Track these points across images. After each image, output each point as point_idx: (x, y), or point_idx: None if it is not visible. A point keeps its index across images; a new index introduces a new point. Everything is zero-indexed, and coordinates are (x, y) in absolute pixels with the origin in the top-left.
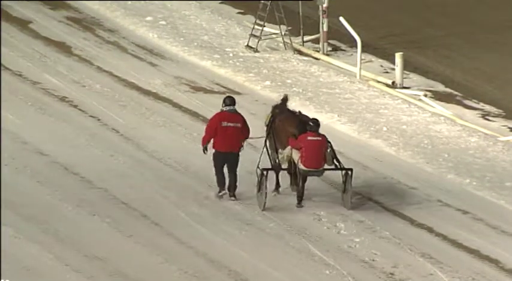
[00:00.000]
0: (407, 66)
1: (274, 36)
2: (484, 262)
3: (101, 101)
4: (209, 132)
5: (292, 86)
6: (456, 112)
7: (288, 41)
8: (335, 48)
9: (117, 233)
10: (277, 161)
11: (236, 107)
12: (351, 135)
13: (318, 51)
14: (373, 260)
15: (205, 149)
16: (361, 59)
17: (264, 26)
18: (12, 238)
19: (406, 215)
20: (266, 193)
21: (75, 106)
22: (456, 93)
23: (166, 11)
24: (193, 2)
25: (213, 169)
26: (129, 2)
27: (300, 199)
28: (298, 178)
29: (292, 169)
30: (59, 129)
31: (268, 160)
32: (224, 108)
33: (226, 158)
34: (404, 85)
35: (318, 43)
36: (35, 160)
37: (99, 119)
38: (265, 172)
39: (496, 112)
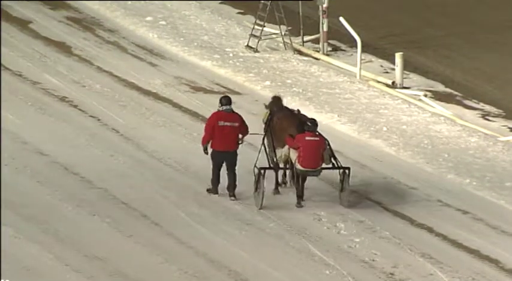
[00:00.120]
0: (407, 66)
1: (274, 36)
2: (484, 262)
3: (101, 101)
4: (208, 131)
5: (292, 86)
6: (456, 112)
7: (288, 41)
8: (335, 48)
9: (117, 233)
10: (275, 159)
11: (236, 107)
12: (351, 135)
13: (318, 51)
14: (373, 260)
15: (205, 149)
16: (361, 59)
17: (264, 26)
18: (12, 238)
19: (406, 215)
20: (263, 192)
21: (75, 106)
22: (456, 93)
23: (166, 11)
24: (193, 2)
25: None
26: (129, 2)
27: (300, 198)
28: (295, 177)
29: (288, 167)
30: (59, 129)
31: (266, 159)
32: (221, 108)
33: (224, 157)
34: (404, 85)
35: (318, 43)
36: (35, 160)
37: (99, 119)
38: (262, 171)
39: (496, 112)
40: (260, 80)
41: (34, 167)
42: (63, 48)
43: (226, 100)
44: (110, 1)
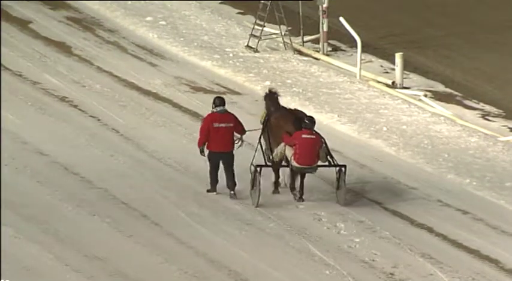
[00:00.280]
0: (407, 66)
1: (274, 36)
2: (484, 262)
3: (101, 101)
4: (203, 133)
5: (292, 86)
6: (456, 112)
7: (288, 41)
8: (335, 49)
9: (117, 233)
10: (271, 157)
11: (237, 107)
12: (351, 135)
13: (318, 52)
14: (373, 260)
15: (202, 151)
16: (361, 59)
17: (264, 26)
18: (12, 238)
19: (406, 215)
20: (260, 189)
21: (75, 106)
22: (456, 93)
23: (166, 11)
24: (193, 2)
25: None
26: (129, 2)
27: (300, 194)
28: (291, 176)
29: (282, 165)
30: (59, 129)
31: (263, 158)
32: (214, 109)
33: (221, 158)
34: (404, 85)
35: (318, 43)
36: (35, 160)
37: (99, 119)
38: (258, 169)
39: (496, 112)
40: (260, 80)
41: (34, 167)
42: (63, 48)
43: (219, 101)
44: (110, 1)
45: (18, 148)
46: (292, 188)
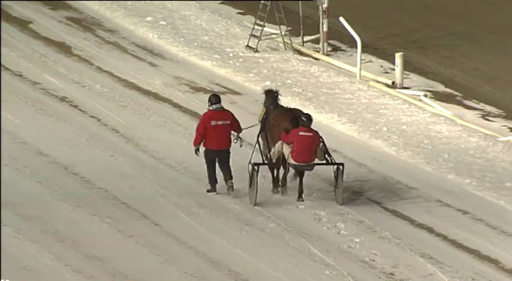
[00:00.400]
0: (407, 66)
1: (274, 36)
2: (484, 262)
3: (101, 101)
4: (199, 132)
5: (292, 86)
6: (456, 112)
7: (288, 41)
8: (335, 49)
9: (117, 233)
10: (268, 156)
11: (237, 107)
12: (351, 135)
13: (318, 52)
14: (373, 260)
15: (197, 150)
16: (361, 59)
17: (264, 26)
18: (12, 238)
19: (406, 215)
20: (257, 188)
21: (75, 106)
22: (456, 93)
23: (166, 11)
24: (193, 2)
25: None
26: (129, 2)
27: (300, 193)
28: (287, 173)
29: (280, 163)
30: (59, 129)
31: (261, 157)
32: (211, 107)
33: (218, 155)
34: (404, 85)
35: (318, 43)
36: (35, 160)
37: (99, 119)
38: (256, 167)
39: (496, 112)
40: (260, 80)
41: (34, 167)
42: (63, 48)
43: (215, 99)
44: (110, 1)
45: (18, 148)
46: (283, 184)
